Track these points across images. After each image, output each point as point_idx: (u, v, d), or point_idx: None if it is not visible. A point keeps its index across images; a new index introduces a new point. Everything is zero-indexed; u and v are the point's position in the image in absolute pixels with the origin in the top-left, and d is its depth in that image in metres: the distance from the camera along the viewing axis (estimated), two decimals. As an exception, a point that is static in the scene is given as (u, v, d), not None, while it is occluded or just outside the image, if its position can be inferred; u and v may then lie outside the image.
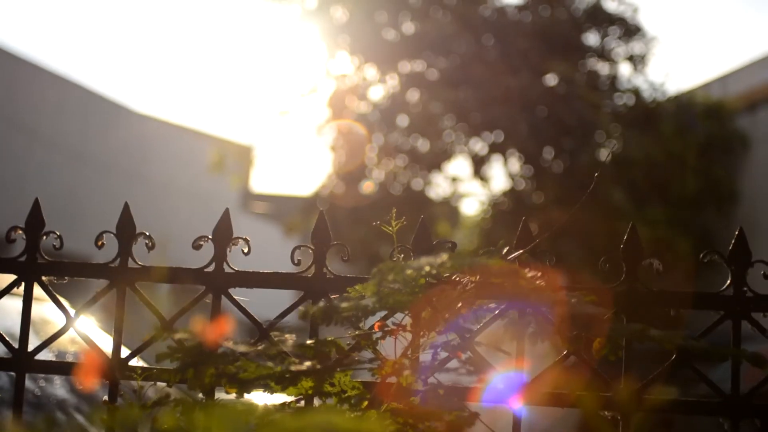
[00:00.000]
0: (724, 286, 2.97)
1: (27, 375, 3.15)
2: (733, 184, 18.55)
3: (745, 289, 2.96)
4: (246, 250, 3.11)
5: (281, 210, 22.01)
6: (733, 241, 2.99)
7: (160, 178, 23.96)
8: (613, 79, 19.77)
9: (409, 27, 19.51)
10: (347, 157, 19.41)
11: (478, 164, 19.33)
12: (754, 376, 2.87)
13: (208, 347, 2.15)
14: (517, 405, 2.70)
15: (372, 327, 2.70)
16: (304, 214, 19.76)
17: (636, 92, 19.69)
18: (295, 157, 24.52)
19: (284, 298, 3.54)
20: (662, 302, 2.91)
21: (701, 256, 2.94)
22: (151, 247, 2.95)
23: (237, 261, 3.09)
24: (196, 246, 3.04)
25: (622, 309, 2.86)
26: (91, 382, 1.43)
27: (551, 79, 19.51)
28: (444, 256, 2.26)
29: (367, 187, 19.40)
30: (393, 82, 19.41)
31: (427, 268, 2.25)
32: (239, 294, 3.08)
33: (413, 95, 19.23)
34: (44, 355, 3.13)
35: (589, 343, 2.38)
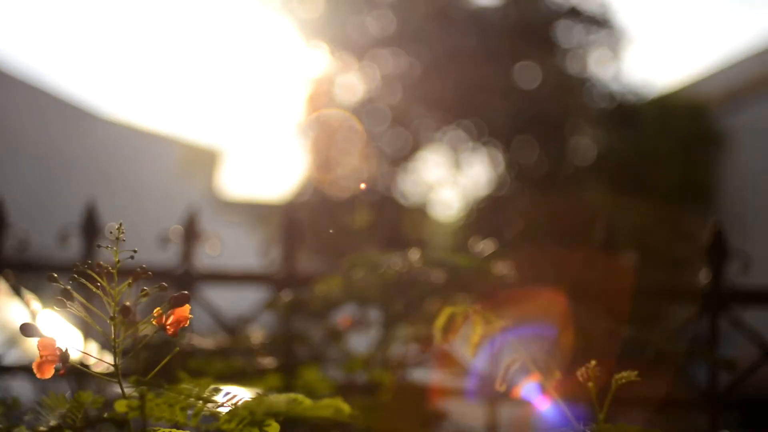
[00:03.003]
0: (703, 280, 2.92)
1: None
2: (713, 180, 18.58)
3: (723, 283, 2.91)
4: (214, 249, 3.06)
5: (251, 214, 21.80)
6: (710, 236, 2.94)
7: (125, 183, 23.77)
8: (585, 76, 19.74)
9: (386, 20, 19.41)
10: (327, 154, 19.29)
11: (455, 153, 19.23)
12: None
13: (171, 341, 2.09)
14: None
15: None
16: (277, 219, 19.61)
17: (609, 90, 19.67)
18: (268, 160, 24.44)
19: (250, 293, 3.49)
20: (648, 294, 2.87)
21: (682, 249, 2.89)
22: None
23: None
24: (164, 241, 2.99)
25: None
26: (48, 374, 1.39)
27: (524, 75, 19.49)
28: (416, 252, 2.21)
29: (360, 186, 19.22)
30: (373, 74, 19.31)
31: (398, 264, 2.20)
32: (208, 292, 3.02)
33: (394, 89, 19.13)
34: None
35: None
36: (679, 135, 18.53)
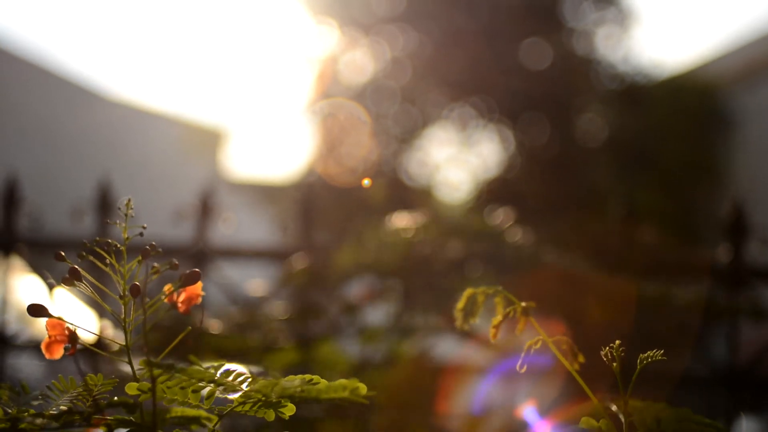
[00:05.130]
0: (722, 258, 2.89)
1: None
2: (724, 160, 18.51)
3: (743, 259, 2.89)
4: (229, 225, 3.04)
5: (257, 194, 21.72)
6: (731, 214, 2.91)
7: (130, 163, 23.77)
8: (594, 56, 19.65)
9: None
10: (336, 138, 19.25)
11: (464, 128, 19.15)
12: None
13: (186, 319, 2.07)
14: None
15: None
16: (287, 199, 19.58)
17: (619, 71, 19.58)
18: (274, 140, 24.30)
19: (262, 269, 3.47)
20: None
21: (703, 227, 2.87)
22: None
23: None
24: (179, 218, 2.97)
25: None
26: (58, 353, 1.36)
27: (532, 54, 19.42)
28: (426, 219, 2.18)
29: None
30: (381, 52, 19.23)
31: (410, 231, 2.17)
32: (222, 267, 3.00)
33: (402, 67, 19.06)
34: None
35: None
36: (690, 115, 18.46)
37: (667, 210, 16.11)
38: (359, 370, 2.41)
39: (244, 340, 2.26)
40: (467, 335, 2.45)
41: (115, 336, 3.00)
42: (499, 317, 1.36)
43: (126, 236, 1.45)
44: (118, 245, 1.44)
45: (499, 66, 18.47)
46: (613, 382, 1.46)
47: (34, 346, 3.32)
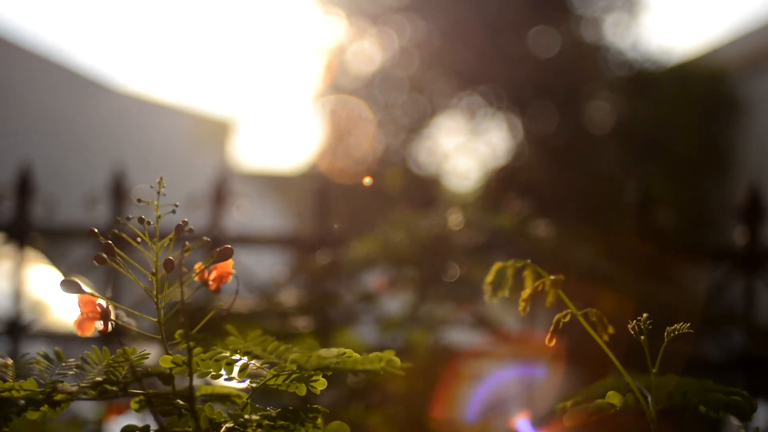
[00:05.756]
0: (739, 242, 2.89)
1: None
2: (733, 147, 18.46)
3: (759, 243, 2.88)
4: (243, 213, 3.04)
5: (265, 184, 21.71)
6: (747, 198, 2.90)
7: (138, 154, 23.74)
8: (602, 43, 19.59)
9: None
10: (344, 129, 19.22)
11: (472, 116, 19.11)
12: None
13: (207, 303, 2.07)
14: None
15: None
16: (297, 190, 19.56)
17: (627, 58, 19.52)
18: (282, 131, 24.31)
19: (274, 256, 3.46)
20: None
21: (720, 212, 2.86)
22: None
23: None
24: (193, 205, 2.97)
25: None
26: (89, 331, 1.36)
27: (540, 43, 19.37)
28: (456, 212, 2.17)
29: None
30: (390, 41, 19.19)
31: (437, 224, 2.17)
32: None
33: (410, 56, 19.02)
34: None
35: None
36: (699, 101, 18.42)
37: (677, 196, 16.07)
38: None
39: (263, 325, 2.25)
40: (483, 325, 2.45)
41: (130, 322, 3.00)
42: (528, 290, 1.36)
43: (158, 215, 1.44)
44: (152, 222, 1.44)
45: (508, 54, 18.44)
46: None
47: (46, 335, 3.32)
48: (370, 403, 2.23)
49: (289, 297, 2.58)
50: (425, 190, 2.92)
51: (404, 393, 2.31)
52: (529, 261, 1.37)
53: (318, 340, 2.41)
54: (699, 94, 18.43)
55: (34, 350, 3.78)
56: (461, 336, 2.56)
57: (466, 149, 20.37)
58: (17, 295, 3.16)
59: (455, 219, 2.27)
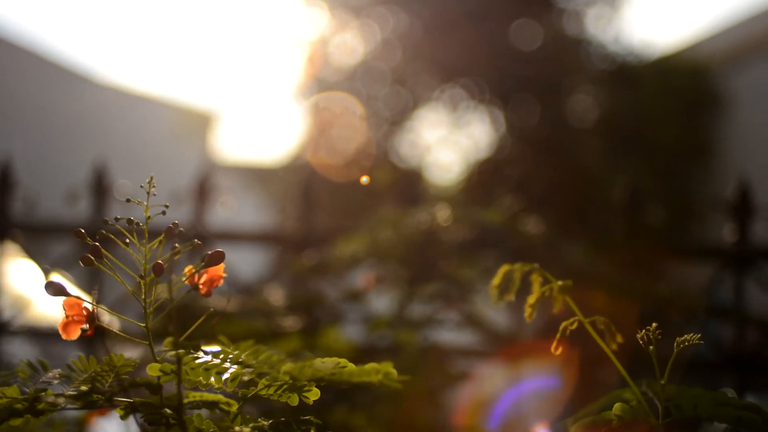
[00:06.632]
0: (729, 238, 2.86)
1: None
2: (715, 141, 18.49)
3: (749, 240, 2.85)
4: (227, 208, 3.00)
5: (247, 177, 21.63)
6: (736, 194, 2.87)
7: (120, 147, 23.62)
8: (584, 37, 19.58)
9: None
10: (326, 121, 19.15)
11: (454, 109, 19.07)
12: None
13: (192, 303, 2.03)
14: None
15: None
16: (279, 182, 19.50)
17: (609, 51, 19.51)
18: (264, 123, 24.24)
19: (256, 252, 3.42)
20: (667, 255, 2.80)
21: (708, 206, 2.83)
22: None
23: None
24: (175, 200, 2.92)
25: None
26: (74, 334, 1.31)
27: (521, 35, 19.35)
28: (445, 209, 2.13)
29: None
30: (372, 34, 19.14)
31: (425, 221, 2.13)
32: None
33: (393, 48, 18.98)
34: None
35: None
36: (681, 95, 18.45)
37: (659, 189, 16.07)
38: (364, 356, 2.36)
39: (249, 325, 2.22)
40: (472, 324, 2.42)
41: (112, 322, 2.96)
42: (535, 295, 1.32)
43: (147, 215, 1.40)
44: (140, 224, 1.39)
45: (490, 47, 18.41)
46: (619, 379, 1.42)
47: (27, 332, 3.28)
48: (357, 403, 2.20)
49: (274, 295, 2.54)
50: (411, 185, 2.88)
51: (392, 393, 2.27)
52: (537, 265, 1.34)
53: (304, 340, 2.38)
54: (681, 88, 18.46)
55: (15, 348, 3.73)
56: (449, 335, 2.52)
57: (448, 142, 20.35)
58: (-3, 291, 3.12)
59: (443, 215, 2.23)
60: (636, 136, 18.09)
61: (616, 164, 17.07)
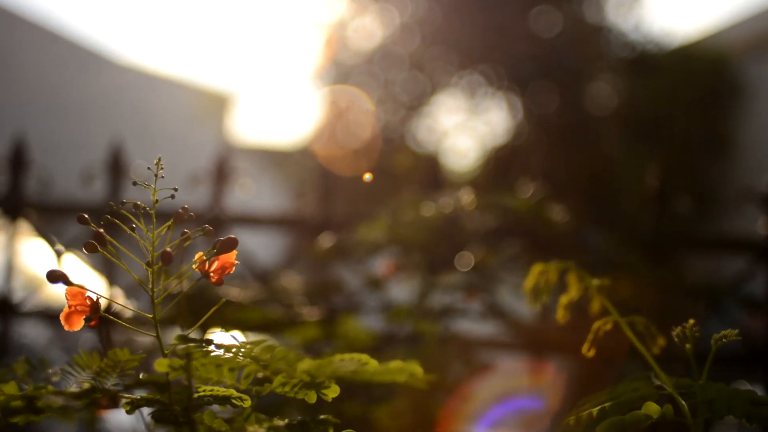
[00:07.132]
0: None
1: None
2: (735, 131, 18.36)
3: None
4: (246, 191, 2.94)
5: (264, 159, 21.58)
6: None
7: (136, 127, 23.58)
8: (604, 24, 19.46)
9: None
10: (343, 108, 19.08)
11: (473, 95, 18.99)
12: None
13: (205, 291, 1.97)
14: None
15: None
16: (295, 165, 19.46)
17: (630, 39, 19.39)
18: (282, 106, 24.21)
19: (274, 236, 3.35)
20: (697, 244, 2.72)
21: (735, 197, 2.75)
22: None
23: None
24: (194, 182, 2.87)
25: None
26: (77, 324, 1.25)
27: (542, 22, 19.25)
28: (469, 194, 2.06)
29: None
30: (391, 18, 19.04)
31: (448, 206, 2.06)
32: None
33: (411, 33, 18.89)
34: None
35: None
36: (700, 84, 18.33)
37: (679, 180, 15.95)
38: (384, 345, 2.30)
39: (265, 312, 2.15)
40: (496, 314, 2.35)
41: (124, 308, 2.89)
42: (570, 295, 1.25)
43: (155, 199, 1.32)
44: (147, 208, 1.31)
45: (509, 33, 18.32)
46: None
47: (40, 313, 3.22)
48: (374, 396, 2.13)
49: (291, 282, 2.47)
50: (433, 170, 2.80)
51: (410, 385, 2.19)
52: (572, 263, 1.26)
53: (322, 328, 2.31)
54: (701, 77, 18.34)
55: (28, 329, 3.67)
56: (472, 325, 2.46)
57: (466, 128, 20.26)
58: (9, 271, 3.06)
59: (467, 200, 2.16)
60: (654, 125, 17.98)
61: (635, 153, 16.96)
